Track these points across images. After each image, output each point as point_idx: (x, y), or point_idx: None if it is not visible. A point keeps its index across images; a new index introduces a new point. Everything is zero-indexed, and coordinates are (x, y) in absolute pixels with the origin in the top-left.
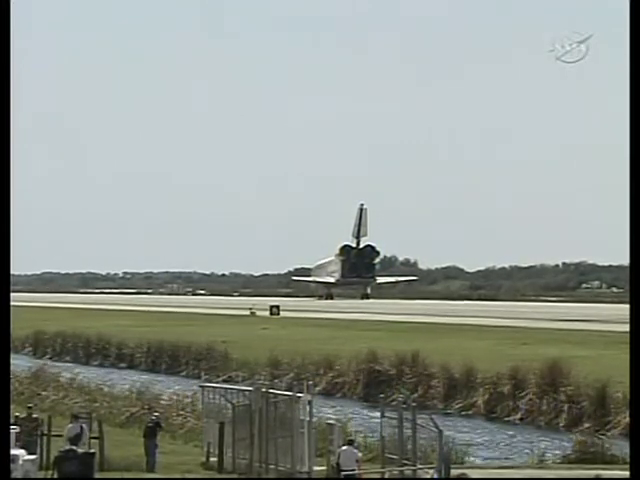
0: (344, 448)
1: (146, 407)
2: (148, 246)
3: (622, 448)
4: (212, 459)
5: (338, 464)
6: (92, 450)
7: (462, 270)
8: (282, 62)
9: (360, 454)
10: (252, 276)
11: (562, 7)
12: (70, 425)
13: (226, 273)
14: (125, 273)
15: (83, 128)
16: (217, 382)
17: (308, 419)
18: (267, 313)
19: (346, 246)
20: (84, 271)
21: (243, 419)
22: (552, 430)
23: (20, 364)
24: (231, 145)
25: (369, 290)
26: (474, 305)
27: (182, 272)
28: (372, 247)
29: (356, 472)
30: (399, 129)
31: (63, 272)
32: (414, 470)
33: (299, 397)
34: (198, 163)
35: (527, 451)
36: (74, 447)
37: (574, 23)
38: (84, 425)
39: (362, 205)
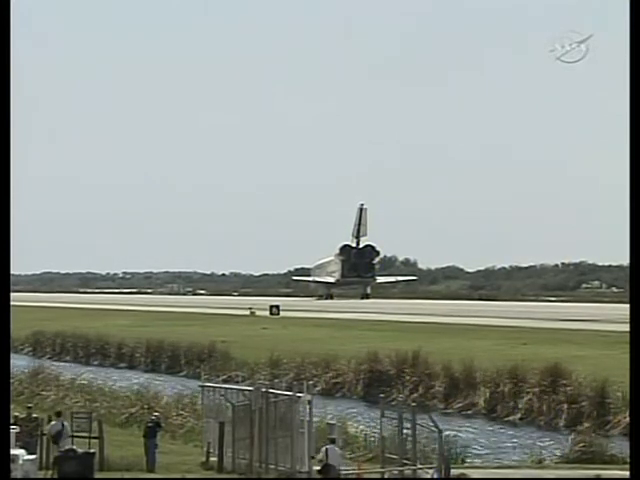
0: (330, 447)
1: (146, 407)
2: (148, 246)
3: (622, 448)
4: (212, 459)
5: (327, 464)
6: (92, 450)
7: (462, 270)
8: (282, 64)
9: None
10: (252, 276)
11: (562, 7)
12: (52, 422)
13: (226, 273)
14: (125, 273)
15: (83, 128)
16: (217, 382)
17: (308, 419)
18: (267, 313)
19: (346, 246)
20: (84, 271)
21: (243, 419)
22: (552, 430)
23: (20, 364)
24: (231, 145)
25: (369, 290)
26: (474, 305)
27: (182, 272)
28: (372, 247)
29: (342, 471)
30: (399, 129)
31: (63, 272)
32: (414, 470)
33: (299, 397)
34: (198, 163)
35: (527, 451)
36: (56, 444)
37: (574, 23)
38: (65, 422)
39: (362, 205)
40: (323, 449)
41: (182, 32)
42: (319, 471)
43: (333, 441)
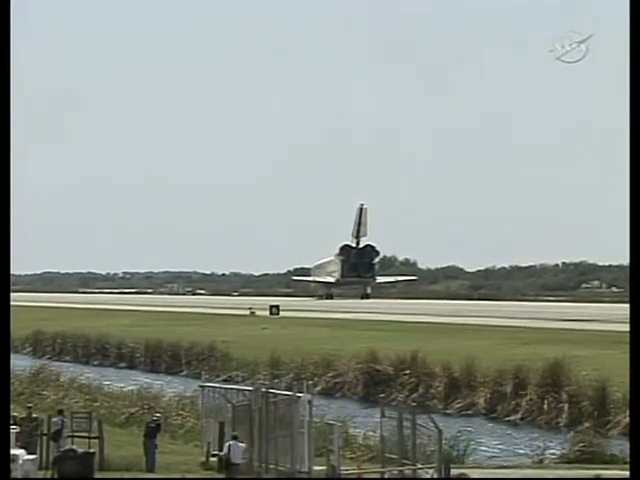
0: (232, 442)
1: (146, 407)
2: (148, 246)
3: (622, 448)
4: (212, 459)
5: (228, 458)
6: (92, 450)
7: (462, 270)
8: (282, 64)
9: (244, 446)
10: (252, 276)
11: (562, 7)
12: (54, 419)
13: (226, 273)
14: (125, 273)
15: (82, 128)
16: (217, 382)
17: (308, 419)
18: (267, 313)
19: (346, 246)
20: (84, 271)
21: (243, 419)
22: (552, 430)
23: (20, 364)
24: (231, 145)
25: (369, 290)
26: (474, 305)
27: (182, 272)
28: (372, 247)
29: (243, 464)
30: (399, 129)
31: (63, 272)
32: (414, 470)
33: (299, 397)
34: (198, 163)
35: (527, 451)
36: (54, 442)
37: (574, 23)
38: (64, 419)
39: (362, 205)
40: (226, 445)
41: (182, 32)
42: (223, 466)
43: (235, 437)
